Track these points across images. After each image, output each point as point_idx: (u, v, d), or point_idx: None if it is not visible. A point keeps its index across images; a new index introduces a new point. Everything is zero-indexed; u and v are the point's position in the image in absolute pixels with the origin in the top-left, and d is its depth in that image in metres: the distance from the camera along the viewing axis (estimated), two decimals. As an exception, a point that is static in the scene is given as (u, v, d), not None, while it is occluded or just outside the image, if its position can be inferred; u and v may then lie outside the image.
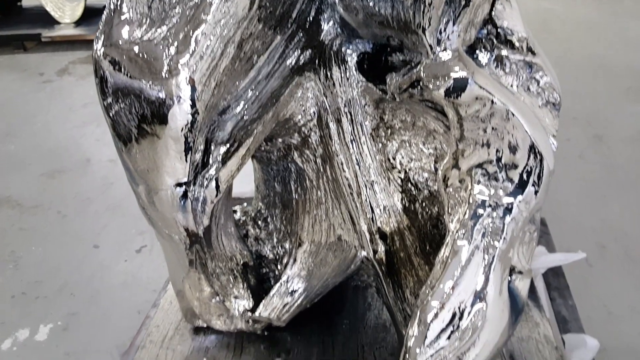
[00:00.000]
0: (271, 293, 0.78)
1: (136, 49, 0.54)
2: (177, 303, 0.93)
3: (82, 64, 3.70)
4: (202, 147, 0.59)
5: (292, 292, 0.77)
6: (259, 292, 0.81)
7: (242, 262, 0.77)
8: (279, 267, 0.81)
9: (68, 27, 3.86)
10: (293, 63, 0.64)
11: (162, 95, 0.55)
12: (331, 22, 0.65)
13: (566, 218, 1.99)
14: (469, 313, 0.61)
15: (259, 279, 0.83)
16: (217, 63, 0.55)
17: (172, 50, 0.54)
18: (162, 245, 0.75)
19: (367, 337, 0.85)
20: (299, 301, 0.77)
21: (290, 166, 0.74)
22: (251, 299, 0.79)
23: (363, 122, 0.69)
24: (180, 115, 0.55)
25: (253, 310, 0.79)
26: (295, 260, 0.78)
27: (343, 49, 0.67)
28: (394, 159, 0.71)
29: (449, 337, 0.61)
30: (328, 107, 0.67)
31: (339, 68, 0.67)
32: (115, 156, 2.31)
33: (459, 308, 0.61)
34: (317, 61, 0.66)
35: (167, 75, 0.54)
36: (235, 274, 0.76)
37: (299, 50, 0.64)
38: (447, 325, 0.61)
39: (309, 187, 0.74)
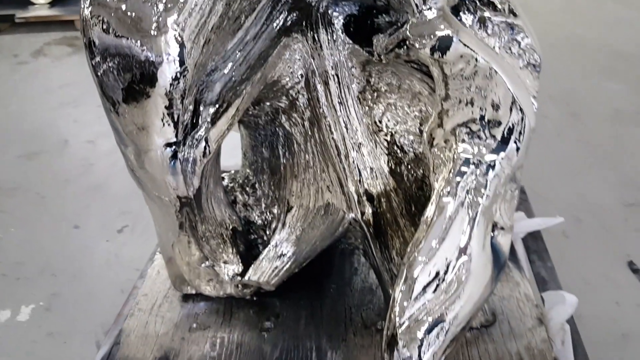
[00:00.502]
0: (260, 257, 0.79)
1: (124, 7, 0.55)
2: (164, 272, 0.94)
3: (57, 45, 3.63)
4: (191, 107, 0.60)
5: (281, 256, 0.78)
6: (248, 258, 0.82)
7: (231, 227, 0.78)
8: (267, 232, 0.83)
9: (42, 7, 3.78)
10: (280, 24, 0.64)
11: (151, 53, 0.55)
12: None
13: (543, 193, 2.04)
14: (454, 267, 0.63)
15: (247, 245, 0.84)
16: (206, 20, 0.56)
17: (161, 7, 0.54)
18: (151, 210, 0.75)
19: (354, 300, 0.87)
20: (288, 265, 0.79)
21: (278, 130, 0.75)
22: (240, 264, 0.80)
23: (350, 85, 0.70)
24: (169, 73, 0.55)
25: (242, 274, 0.80)
26: (284, 224, 0.79)
27: (330, 12, 0.68)
28: (380, 122, 0.72)
29: (434, 291, 0.63)
30: (315, 70, 0.68)
31: (326, 30, 0.68)
32: (94, 137, 2.30)
33: (445, 262, 0.63)
34: (304, 23, 0.66)
35: (155, 33, 0.54)
36: (224, 239, 0.77)
37: (286, 12, 0.65)
38: (433, 279, 0.63)
39: (296, 151, 0.75)
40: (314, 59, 0.68)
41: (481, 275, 0.64)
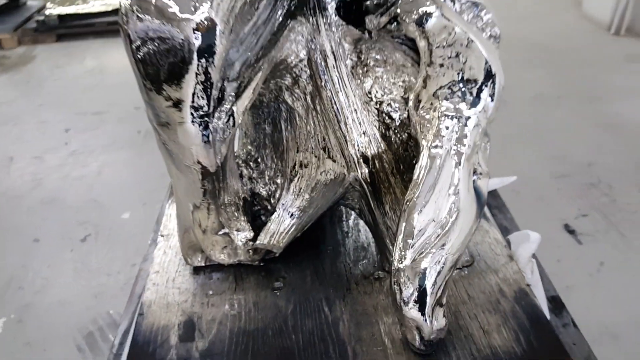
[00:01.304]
0: (269, 222, 0.89)
1: (163, -5, 0.63)
2: (170, 252, 1.01)
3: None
4: (219, 83, 0.69)
5: (289, 217, 0.88)
6: (253, 227, 0.91)
7: (242, 197, 0.87)
8: (272, 202, 0.92)
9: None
10: (285, 10, 0.75)
11: (189, 34, 0.64)
12: (312, -25, 0.77)
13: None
14: (447, 206, 0.75)
15: (252, 215, 0.93)
16: (234, 5, 0.65)
17: (199, -8, 0.63)
18: (175, 181, 0.83)
19: (350, 257, 0.98)
20: (294, 227, 0.88)
21: (281, 106, 0.85)
22: (251, 231, 0.89)
23: (343, 61, 0.81)
24: (205, 51, 0.64)
25: (254, 239, 0.89)
26: (288, 191, 0.89)
27: (324, -1, 0.79)
28: (369, 92, 0.84)
29: (433, 227, 0.75)
30: (316, 49, 0.79)
31: (321, 14, 0.79)
32: (40, 153, 2.30)
33: (439, 203, 0.75)
34: (304, 8, 0.77)
35: (192, 17, 0.63)
36: (238, 207, 0.86)
37: (288, -1, 0.75)
38: (431, 218, 0.75)
39: (298, 124, 0.85)
40: (314, 39, 0.78)
41: (469, 212, 0.77)
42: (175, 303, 0.91)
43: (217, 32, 0.65)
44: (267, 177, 0.92)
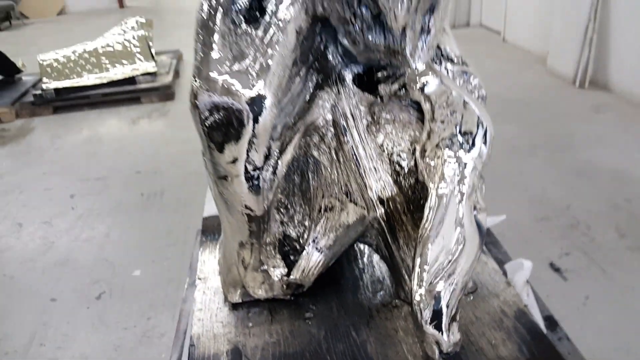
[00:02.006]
0: (300, 260, 1.03)
1: (227, 77, 0.80)
2: (209, 292, 1.14)
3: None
4: (267, 143, 0.85)
5: (317, 255, 1.02)
6: (285, 265, 1.05)
7: (277, 238, 1.02)
8: (300, 242, 1.06)
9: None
10: (315, 83, 0.92)
11: (246, 105, 0.81)
12: (333, 55, 0.96)
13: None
14: (454, 236, 0.91)
15: (283, 255, 1.07)
16: (280, 82, 0.83)
17: (254, 74, 0.80)
18: (226, 225, 0.98)
19: (369, 289, 1.12)
20: (322, 262, 1.03)
21: (309, 159, 1.01)
22: (285, 267, 1.04)
23: (361, 121, 0.98)
24: (264, 118, 0.81)
25: (288, 274, 1.03)
26: (315, 231, 1.04)
27: (342, 72, 0.97)
28: (382, 145, 1.01)
29: (444, 255, 0.90)
30: (339, 112, 0.96)
31: (342, 85, 0.97)
32: (48, 218, 2.43)
33: (447, 234, 0.91)
34: (328, 81, 0.95)
35: (250, 91, 0.80)
36: (275, 247, 1.01)
37: (316, 74, 0.93)
38: (442, 248, 0.90)
39: (324, 174, 1.01)
40: (337, 104, 0.96)
41: (473, 241, 0.93)
42: (220, 334, 1.03)
43: (267, 104, 0.82)
44: (296, 221, 1.07)
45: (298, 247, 1.08)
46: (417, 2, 0.83)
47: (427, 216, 0.92)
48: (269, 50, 0.82)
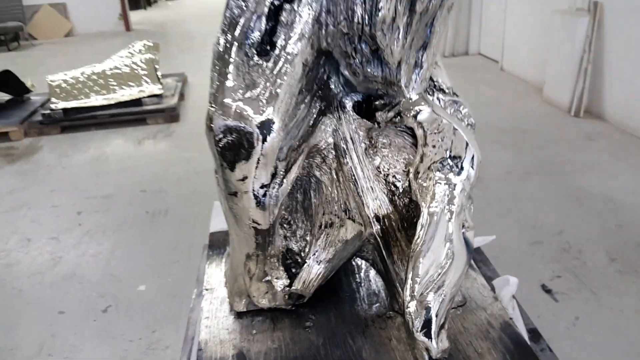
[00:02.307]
0: (301, 271, 1.11)
1: (240, 103, 0.90)
2: (215, 302, 1.22)
3: (-2, 156, 3.76)
4: (274, 162, 0.94)
5: (317, 268, 1.11)
6: (288, 276, 1.14)
7: (281, 251, 1.10)
8: (302, 255, 1.15)
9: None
10: (318, 109, 1.02)
11: (257, 129, 0.90)
12: (335, 84, 1.05)
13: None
14: (444, 251, 0.99)
15: (285, 267, 1.16)
16: (288, 109, 0.92)
17: (264, 101, 0.90)
18: (234, 237, 1.06)
19: (365, 301, 1.20)
20: (321, 274, 1.11)
21: (311, 179, 1.10)
22: (287, 279, 1.12)
23: (359, 144, 1.08)
24: (272, 140, 0.90)
25: (290, 286, 1.11)
26: (316, 245, 1.12)
27: (343, 100, 1.06)
28: (378, 167, 1.10)
29: (434, 268, 0.99)
30: (339, 136, 1.06)
31: (342, 111, 1.06)
32: (56, 234, 2.52)
33: (438, 249, 0.99)
34: (330, 107, 1.05)
35: (260, 116, 0.90)
36: (278, 259, 1.09)
37: (320, 101, 1.03)
38: (432, 262, 0.99)
39: (325, 192, 1.10)
40: (338, 129, 1.05)
41: (461, 256, 1.01)
42: (226, 340, 1.11)
43: (275, 127, 0.91)
44: (298, 236, 1.15)
45: (299, 260, 1.16)
46: (411, 40, 0.93)
47: (419, 233, 1.01)
48: (278, 80, 0.91)
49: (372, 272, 1.29)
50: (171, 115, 4.52)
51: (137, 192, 3.28)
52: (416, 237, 1.01)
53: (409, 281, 0.98)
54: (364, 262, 1.30)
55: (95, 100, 4.50)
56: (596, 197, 2.96)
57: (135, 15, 10.37)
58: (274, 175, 0.96)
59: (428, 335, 0.95)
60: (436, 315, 0.97)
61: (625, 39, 3.77)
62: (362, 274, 1.29)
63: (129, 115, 4.48)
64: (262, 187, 0.95)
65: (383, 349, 1.06)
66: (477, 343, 1.07)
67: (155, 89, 4.64)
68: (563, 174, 3.28)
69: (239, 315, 1.18)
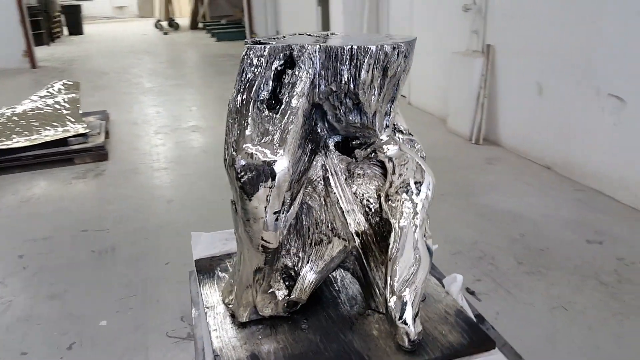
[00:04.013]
0: (298, 281, 1.35)
1: (258, 147, 1.15)
2: (219, 317, 1.42)
3: None
4: (284, 194, 1.19)
5: (310, 277, 1.35)
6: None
7: (282, 266, 1.34)
8: (295, 269, 1.39)
9: None
10: (310, 149, 1.29)
11: (272, 168, 1.15)
12: (321, 129, 1.33)
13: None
14: (414, 257, 1.28)
15: (283, 280, 1.39)
16: (294, 151, 1.18)
17: (277, 145, 1.15)
18: (246, 254, 1.28)
19: (346, 304, 1.46)
20: (313, 282, 1.36)
21: (303, 206, 1.36)
22: (286, 289, 1.35)
23: (341, 175, 1.35)
24: (283, 175, 1.15)
25: (289, 295, 1.35)
26: (308, 260, 1.37)
27: (327, 141, 1.34)
28: (355, 193, 1.38)
29: (408, 270, 1.27)
30: (327, 169, 1.33)
31: (327, 149, 1.34)
32: (1, 278, 2.58)
33: (408, 255, 1.28)
34: (318, 147, 1.32)
35: (275, 157, 1.15)
36: (280, 273, 1.33)
37: (310, 143, 1.30)
38: (405, 265, 1.27)
39: (314, 215, 1.36)
40: (326, 163, 1.32)
41: (425, 259, 1.30)
42: (238, 346, 1.32)
43: (285, 166, 1.17)
44: (292, 253, 1.39)
45: (293, 274, 1.40)
46: (383, 96, 1.23)
47: (393, 243, 1.29)
48: (286, 129, 1.17)
49: (347, 281, 1.56)
50: (99, 154, 4.56)
51: (78, 232, 3.32)
52: (390, 247, 1.29)
53: (389, 282, 1.26)
54: (339, 273, 1.56)
55: (18, 141, 4.44)
56: (501, 212, 3.43)
57: (39, 52, 10.06)
58: (283, 203, 1.20)
59: (406, 322, 1.23)
60: (412, 306, 1.25)
61: (514, 76, 4.38)
62: (339, 283, 1.55)
63: (55, 155, 4.46)
64: (274, 213, 1.19)
65: (369, 339, 1.33)
66: (440, 327, 1.36)
67: (80, 128, 4.66)
68: (472, 194, 3.75)
69: (242, 325, 1.39)
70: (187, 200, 3.69)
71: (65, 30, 14.85)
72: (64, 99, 4.78)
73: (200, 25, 15.96)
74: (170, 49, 11.91)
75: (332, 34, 1.38)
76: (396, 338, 1.28)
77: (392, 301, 1.25)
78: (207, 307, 1.48)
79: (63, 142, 4.51)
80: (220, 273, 1.65)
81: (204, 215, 3.42)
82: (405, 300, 1.25)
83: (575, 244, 2.98)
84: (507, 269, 2.80)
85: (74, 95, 4.92)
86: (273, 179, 1.16)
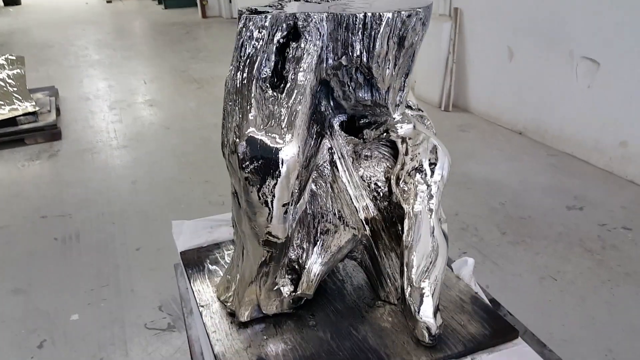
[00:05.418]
0: (303, 275, 1.24)
1: (263, 133, 1.00)
2: (216, 317, 1.29)
3: None
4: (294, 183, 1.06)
5: (315, 269, 1.24)
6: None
7: (286, 260, 1.22)
8: (299, 262, 1.27)
9: None
10: (316, 130, 1.15)
11: (280, 156, 1.01)
12: (325, 108, 1.19)
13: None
14: (431, 243, 1.18)
15: (287, 274, 1.27)
16: (303, 135, 1.04)
17: (285, 129, 1.01)
18: (251, 252, 1.15)
19: (353, 295, 1.35)
20: (320, 275, 1.24)
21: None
22: (292, 284, 1.23)
23: (348, 158, 1.23)
24: (293, 163, 1.02)
25: (295, 290, 1.23)
26: (313, 251, 1.25)
27: (331, 120, 1.21)
28: (362, 176, 1.26)
29: (425, 259, 1.17)
30: (334, 152, 1.20)
31: (332, 130, 1.20)
32: None
33: (425, 242, 1.18)
34: (323, 129, 1.18)
35: (283, 143, 1.01)
36: (285, 269, 1.21)
37: (316, 124, 1.16)
38: (422, 254, 1.17)
39: (320, 203, 1.23)
40: (332, 146, 1.19)
41: (443, 246, 1.21)
42: (242, 349, 1.20)
43: (295, 152, 1.03)
44: (295, 245, 1.27)
45: (297, 267, 1.28)
46: (398, 69, 1.10)
47: (408, 230, 1.18)
48: (294, 110, 1.03)
49: (350, 269, 1.45)
50: (52, 133, 4.26)
51: (37, 219, 3.09)
52: (405, 234, 1.18)
53: (406, 273, 1.16)
54: (339, 263, 1.45)
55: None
56: (478, 181, 3.39)
57: (-27, 24, 9.37)
58: (292, 194, 1.07)
59: (428, 316, 1.14)
60: (432, 299, 1.15)
61: (484, 41, 4.31)
62: (342, 272, 1.44)
63: (4, 136, 4.15)
64: (283, 205, 1.06)
65: (384, 334, 1.23)
66: (458, 317, 1.27)
67: (29, 106, 4.33)
68: (447, 162, 3.69)
69: (243, 325, 1.27)
70: (153, 181, 3.49)
71: (0, 1, 13.92)
72: (8, 75, 4.43)
73: (147, -9, 15.27)
74: (116, 18, 11.31)
75: (332, -1, 1.23)
76: (415, 332, 1.19)
77: (410, 293, 1.15)
78: (202, 306, 1.35)
79: (11, 121, 4.19)
80: (210, 266, 1.51)
81: (172, 196, 3.24)
82: (424, 292, 1.15)
83: (555, 210, 2.97)
84: (491, 240, 2.76)
85: (18, 71, 4.56)
86: (281, 168, 1.02)
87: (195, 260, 1.54)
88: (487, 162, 3.63)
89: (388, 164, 1.27)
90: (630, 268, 2.48)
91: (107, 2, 14.14)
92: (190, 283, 1.45)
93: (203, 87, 5.64)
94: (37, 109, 4.33)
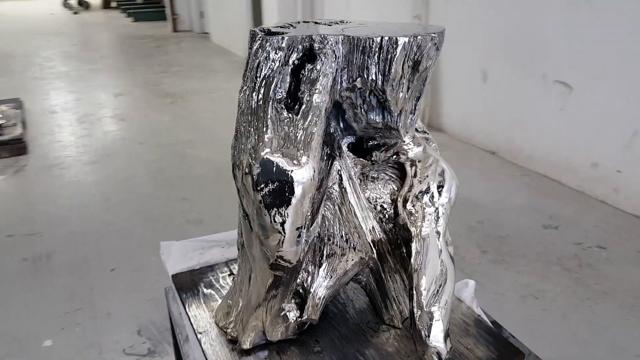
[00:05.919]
0: (309, 299, 1.20)
1: (279, 155, 0.98)
2: (215, 344, 1.25)
3: None
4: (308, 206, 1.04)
5: (321, 293, 1.21)
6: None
7: (294, 285, 1.19)
8: (304, 285, 1.24)
9: None
10: (327, 153, 1.13)
11: (296, 178, 0.99)
12: (334, 129, 1.17)
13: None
14: (439, 267, 1.17)
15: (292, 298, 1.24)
16: (319, 157, 1.02)
17: (301, 152, 0.99)
18: (259, 277, 1.11)
19: (356, 319, 1.33)
20: (325, 298, 1.22)
21: (314, 215, 1.20)
22: (298, 309, 1.20)
23: (356, 179, 1.21)
24: (309, 186, 0.99)
25: (300, 315, 1.20)
26: (319, 275, 1.23)
27: (340, 142, 1.19)
28: (368, 198, 1.24)
29: (435, 283, 1.16)
30: (343, 173, 1.18)
31: (340, 151, 1.19)
32: None
33: (433, 265, 1.16)
34: (334, 150, 1.17)
35: (299, 167, 0.99)
36: (293, 294, 1.17)
37: (327, 145, 1.14)
38: (432, 277, 1.16)
39: (326, 225, 1.21)
40: (341, 167, 1.17)
41: (450, 268, 1.20)
42: (247, 378, 1.15)
43: (311, 175, 1.01)
44: (301, 267, 1.24)
45: (301, 290, 1.25)
46: (411, 93, 1.10)
47: (416, 253, 1.17)
48: (310, 132, 1.01)
49: (350, 292, 1.43)
50: (18, 147, 4.11)
51: (3, 238, 2.95)
52: (413, 257, 1.17)
53: (415, 297, 1.14)
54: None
55: None
56: (459, 200, 3.42)
57: None
58: (305, 217, 1.05)
59: (438, 340, 1.12)
60: (442, 323, 1.14)
61: (458, 62, 4.39)
62: (342, 295, 1.42)
63: (-33, 151, 3.97)
64: (297, 229, 1.03)
65: (390, 359, 1.21)
66: (464, 340, 1.27)
67: (-6, 119, 4.17)
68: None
69: (246, 352, 1.22)
70: (127, 198, 3.39)
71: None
72: (-28, 86, 4.26)
73: (114, 4, 15.02)
74: (83, 30, 11.08)
75: (342, 21, 1.22)
76: (425, 357, 1.16)
77: (420, 317, 1.13)
78: (200, 333, 1.30)
79: (-26, 135, 4.02)
80: (205, 289, 1.47)
81: (148, 214, 3.15)
82: (434, 317, 1.13)
83: (532, 229, 3.02)
84: (472, 259, 2.78)
85: (-17, 81, 4.39)
86: (297, 191, 1.00)
87: (189, 284, 1.49)
88: (462, 181, 3.66)
89: (394, 186, 1.26)
90: (607, 286, 2.53)
91: (74, 13, 13.85)
92: (185, 308, 1.40)
93: (177, 102, 5.55)
94: (2, 122, 4.17)
